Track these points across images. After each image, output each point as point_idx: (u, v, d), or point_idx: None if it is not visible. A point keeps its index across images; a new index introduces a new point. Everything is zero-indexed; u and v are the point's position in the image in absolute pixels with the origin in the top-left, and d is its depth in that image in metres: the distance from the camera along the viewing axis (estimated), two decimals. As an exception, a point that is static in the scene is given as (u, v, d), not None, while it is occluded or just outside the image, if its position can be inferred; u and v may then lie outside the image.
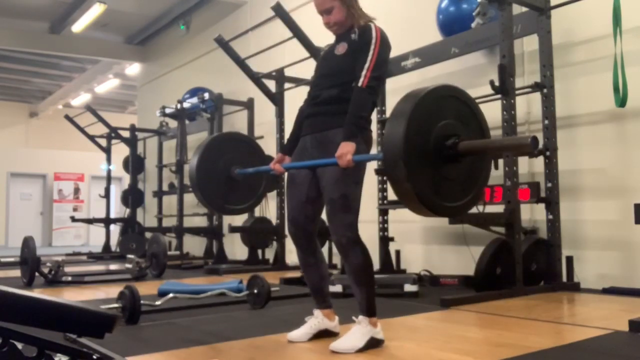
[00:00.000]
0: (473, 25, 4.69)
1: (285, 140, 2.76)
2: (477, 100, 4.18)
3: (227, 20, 8.73)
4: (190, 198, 8.66)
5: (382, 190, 5.29)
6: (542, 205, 4.31)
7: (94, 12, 9.20)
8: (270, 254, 6.76)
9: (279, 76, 6.34)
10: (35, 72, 13.59)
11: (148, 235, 7.93)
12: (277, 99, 6.36)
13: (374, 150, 3.15)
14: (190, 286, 4.28)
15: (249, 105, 7.65)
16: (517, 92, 4.11)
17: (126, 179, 10.78)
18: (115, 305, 3.01)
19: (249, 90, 7.33)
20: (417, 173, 2.13)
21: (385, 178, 5.25)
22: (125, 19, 10.32)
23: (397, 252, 5.28)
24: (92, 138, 9.92)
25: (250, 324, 3.03)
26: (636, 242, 3.99)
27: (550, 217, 4.23)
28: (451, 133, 2.23)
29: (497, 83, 3.94)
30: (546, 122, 4.27)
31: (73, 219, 9.74)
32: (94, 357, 1.44)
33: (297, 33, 5.15)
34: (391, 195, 5.27)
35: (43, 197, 16.08)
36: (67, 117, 9.83)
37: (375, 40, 2.40)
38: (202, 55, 9.23)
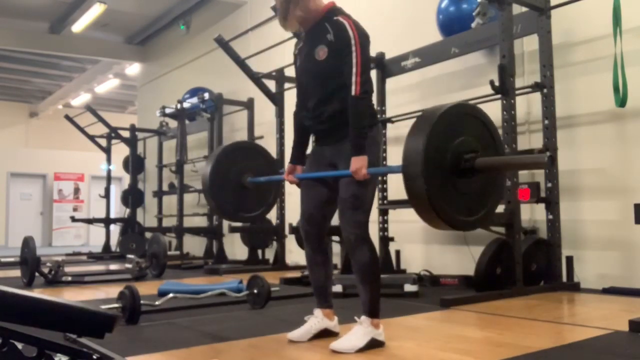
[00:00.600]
0: (473, 25, 4.69)
1: (290, 149, 2.77)
2: (477, 101, 4.23)
3: (227, 20, 8.73)
4: (190, 198, 8.68)
5: (382, 190, 5.29)
6: (542, 205, 4.31)
7: (94, 12, 9.20)
8: (270, 254, 6.76)
9: (279, 76, 6.34)
10: (35, 72, 13.58)
11: (148, 235, 7.94)
12: (277, 99, 6.36)
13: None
14: (190, 286, 4.28)
15: (249, 105, 7.65)
16: (517, 92, 4.11)
17: (126, 179, 10.78)
18: (115, 305, 3.01)
19: (249, 90, 7.32)
20: (436, 188, 2.17)
21: (385, 178, 5.26)
22: (125, 19, 10.32)
23: (397, 252, 5.28)
24: (92, 138, 9.93)
25: (250, 324, 3.03)
26: (636, 242, 3.99)
27: (550, 217, 4.23)
28: (468, 149, 2.27)
29: (497, 83, 3.94)
30: (546, 122, 4.27)
31: (73, 219, 9.75)
32: (94, 357, 1.44)
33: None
34: (391, 195, 5.27)
35: (43, 197, 16.08)
36: (67, 117, 9.84)
37: (354, 40, 2.40)
38: (202, 55, 9.22)
